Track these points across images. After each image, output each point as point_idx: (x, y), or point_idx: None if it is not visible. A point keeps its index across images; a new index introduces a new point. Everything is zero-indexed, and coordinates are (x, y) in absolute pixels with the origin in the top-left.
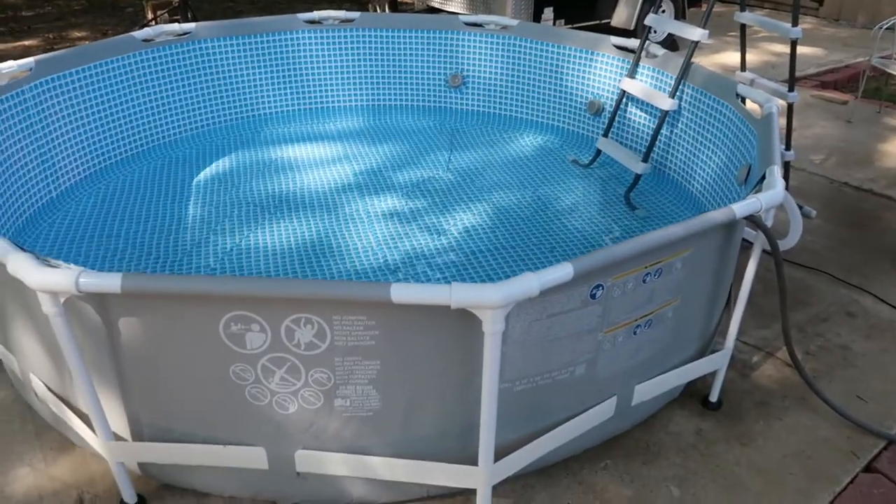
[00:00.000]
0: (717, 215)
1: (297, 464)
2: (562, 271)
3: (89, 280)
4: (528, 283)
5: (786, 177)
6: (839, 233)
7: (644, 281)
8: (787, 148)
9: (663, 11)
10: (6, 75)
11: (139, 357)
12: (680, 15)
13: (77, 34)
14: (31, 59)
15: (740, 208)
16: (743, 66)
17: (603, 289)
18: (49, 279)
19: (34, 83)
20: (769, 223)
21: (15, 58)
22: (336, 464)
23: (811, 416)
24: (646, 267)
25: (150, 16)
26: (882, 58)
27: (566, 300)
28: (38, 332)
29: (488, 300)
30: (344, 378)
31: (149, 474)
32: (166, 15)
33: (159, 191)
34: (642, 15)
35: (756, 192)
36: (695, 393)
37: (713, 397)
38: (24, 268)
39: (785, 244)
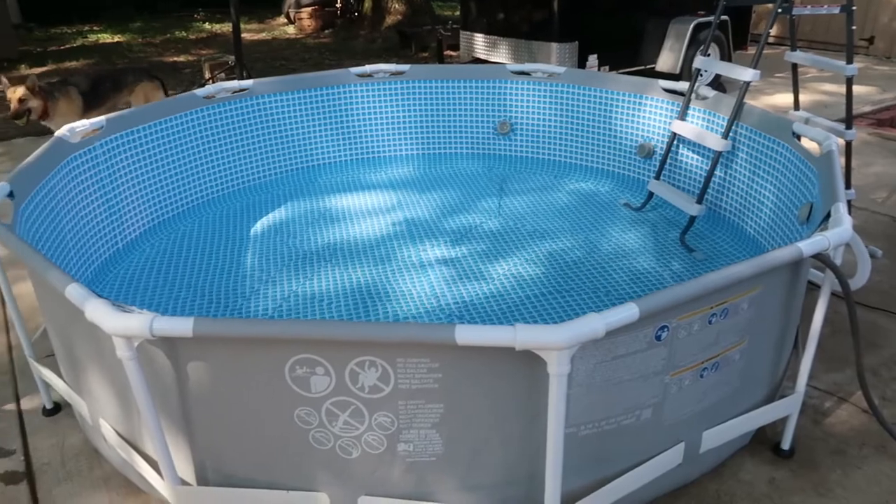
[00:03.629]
0: (783, 253)
1: None
2: (627, 311)
3: (162, 325)
4: (594, 324)
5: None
6: None
7: (710, 322)
8: (847, 187)
9: (709, 55)
10: (79, 133)
11: (206, 401)
12: (726, 58)
13: None
14: (102, 118)
15: (807, 246)
16: (796, 106)
17: (668, 330)
18: (124, 324)
19: (104, 139)
20: (838, 261)
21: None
22: None
23: (893, 465)
24: (711, 307)
25: (207, 75)
26: None
27: (631, 341)
28: (109, 377)
29: (553, 341)
30: (407, 422)
31: None
32: (223, 75)
33: (219, 240)
34: (687, 59)
35: (822, 230)
36: (765, 440)
37: (785, 445)
38: (100, 313)
39: (854, 284)
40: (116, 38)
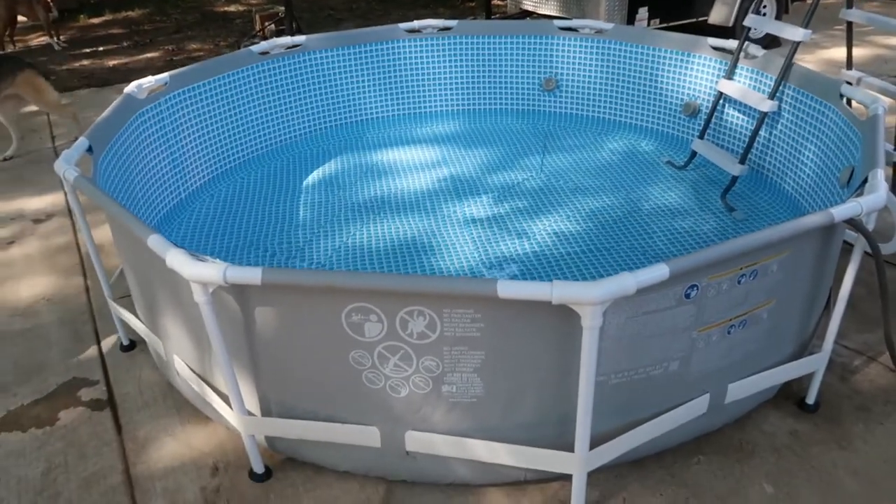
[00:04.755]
0: (814, 219)
1: (407, 443)
2: (658, 271)
3: (234, 273)
4: (626, 282)
5: (895, 178)
6: None
7: (739, 282)
8: None
9: (765, 7)
10: (146, 90)
11: (270, 342)
12: (783, 10)
13: (193, 45)
14: (166, 75)
15: (839, 212)
16: (849, 65)
17: (698, 289)
18: (202, 272)
19: (169, 95)
20: (870, 226)
21: (140, 69)
22: (442, 445)
23: None
24: (741, 269)
25: (258, 26)
26: None
27: (661, 299)
28: (184, 318)
29: (587, 297)
30: (451, 366)
31: (274, 448)
32: (273, 25)
33: (274, 191)
34: (741, 12)
35: (857, 196)
36: (791, 395)
37: (810, 399)
38: (180, 261)
39: (889, 248)
40: None
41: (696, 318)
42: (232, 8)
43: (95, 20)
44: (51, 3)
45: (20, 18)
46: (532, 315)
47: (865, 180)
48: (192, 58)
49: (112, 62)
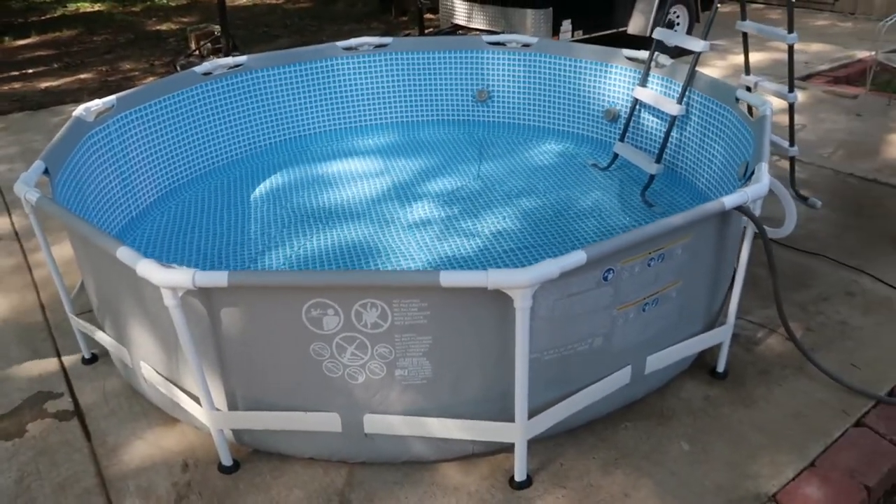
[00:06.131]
0: (708, 207)
1: (366, 426)
2: (576, 257)
3: (202, 277)
4: (550, 267)
5: (791, 170)
6: (843, 220)
7: (649, 265)
8: (791, 144)
9: (677, 15)
10: (94, 112)
11: (236, 340)
12: (694, 19)
13: (126, 65)
14: (113, 97)
15: (729, 200)
16: (747, 70)
17: (613, 272)
18: (172, 277)
19: (116, 116)
20: (757, 212)
21: (73, 90)
22: (398, 425)
23: (808, 383)
24: (650, 253)
25: (193, 46)
26: (889, 52)
27: (582, 282)
28: (151, 325)
29: (517, 281)
30: (402, 352)
31: (242, 442)
32: (209, 44)
33: (223, 207)
34: (657, 22)
35: (745, 186)
36: (703, 366)
37: (720, 368)
38: (150, 269)
39: (782, 232)
40: (97, 7)
41: (614, 298)
42: (164, 27)
43: (21, 42)
44: None
45: None
46: (472, 301)
47: (753, 172)
48: (127, 77)
49: (44, 84)
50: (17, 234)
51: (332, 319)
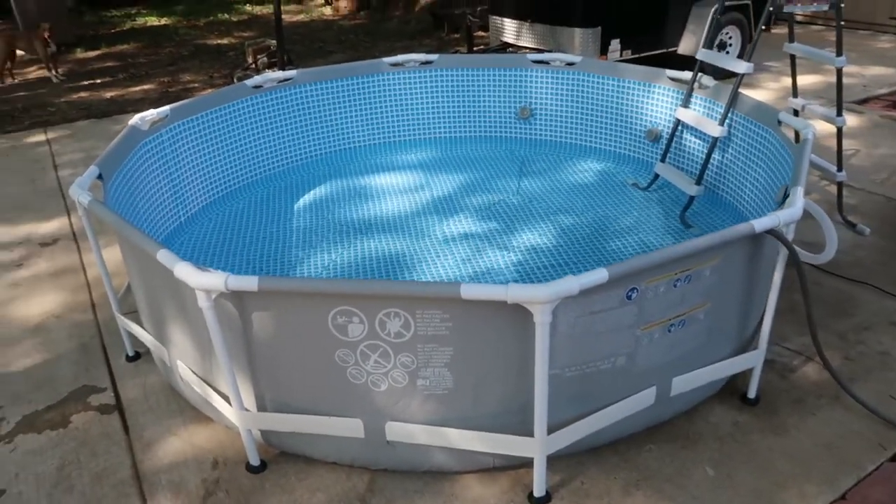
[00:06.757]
0: (738, 229)
1: (387, 433)
2: (598, 275)
3: (234, 281)
4: (570, 284)
5: (839, 196)
6: (891, 248)
7: (675, 286)
8: (839, 169)
9: (729, 36)
10: (149, 121)
11: (265, 343)
12: (747, 40)
13: (187, 77)
14: (167, 108)
15: (759, 224)
16: (795, 93)
17: (637, 291)
18: (206, 280)
19: (169, 126)
20: (790, 236)
21: (136, 100)
22: (418, 434)
23: (844, 413)
24: (675, 274)
25: (250, 59)
26: None
27: (605, 300)
28: (188, 326)
29: (536, 297)
30: (424, 362)
31: (270, 443)
32: (265, 58)
33: (267, 216)
34: (706, 43)
35: (777, 210)
36: (735, 391)
37: (751, 394)
38: (186, 272)
39: (823, 258)
40: (163, 21)
41: (638, 318)
42: (224, 41)
43: (92, 53)
44: (48, 38)
45: (19, 53)
46: (493, 315)
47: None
48: (187, 89)
49: (109, 94)
50: (74, 235)
51: (356, 327)
